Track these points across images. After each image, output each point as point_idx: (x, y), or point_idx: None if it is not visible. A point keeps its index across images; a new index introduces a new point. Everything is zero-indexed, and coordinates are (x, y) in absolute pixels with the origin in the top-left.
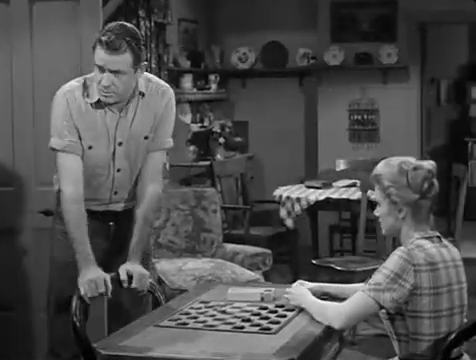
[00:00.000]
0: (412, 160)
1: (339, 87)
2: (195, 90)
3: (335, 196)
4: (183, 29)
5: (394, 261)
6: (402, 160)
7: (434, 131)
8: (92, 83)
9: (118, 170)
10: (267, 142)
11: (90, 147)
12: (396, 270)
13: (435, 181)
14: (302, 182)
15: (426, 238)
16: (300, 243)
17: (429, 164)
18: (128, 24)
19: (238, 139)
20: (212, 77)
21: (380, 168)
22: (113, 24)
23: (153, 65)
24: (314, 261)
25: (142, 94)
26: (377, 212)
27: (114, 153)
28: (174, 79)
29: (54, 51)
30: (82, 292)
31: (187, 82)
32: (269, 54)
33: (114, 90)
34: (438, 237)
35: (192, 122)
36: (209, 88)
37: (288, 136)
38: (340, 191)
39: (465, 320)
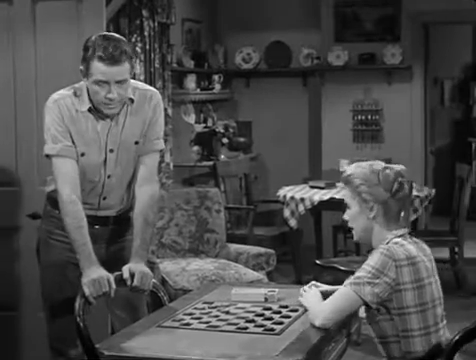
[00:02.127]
0: (382, 163)
1: (343, 87)
2: (199, 90)
3: (339, 196)
4: (187, 29)
5: (375, 258)
6: (372, 162)
7: (438, 131)
8: (82, 92)
9: (108, 176)
10: (271, 142)
11: (82, 154)
12: (377, 266)
13: (405, 184)
14: (306, 182)
15: (399, 236)
16: (304, 243)
17: (399, 167)
18: (115, 34)
19: (242, 139)
20: (216, 77)
21: (351, 169)
22: (104, 37)
23: (157, 65)
24: (318, 261)
25: (131, 100)
26: (346, 216)
27: (105, 160)
28: (178, 79)
29: (57, 51)
30: (87, 292)
31: (191, 82)
32: (273, 54)
33: (119, 100)
34: (409, 233)
35: (196, 122)
36: (213, 88)
37: (292, 136)
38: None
39: (444, 313)
